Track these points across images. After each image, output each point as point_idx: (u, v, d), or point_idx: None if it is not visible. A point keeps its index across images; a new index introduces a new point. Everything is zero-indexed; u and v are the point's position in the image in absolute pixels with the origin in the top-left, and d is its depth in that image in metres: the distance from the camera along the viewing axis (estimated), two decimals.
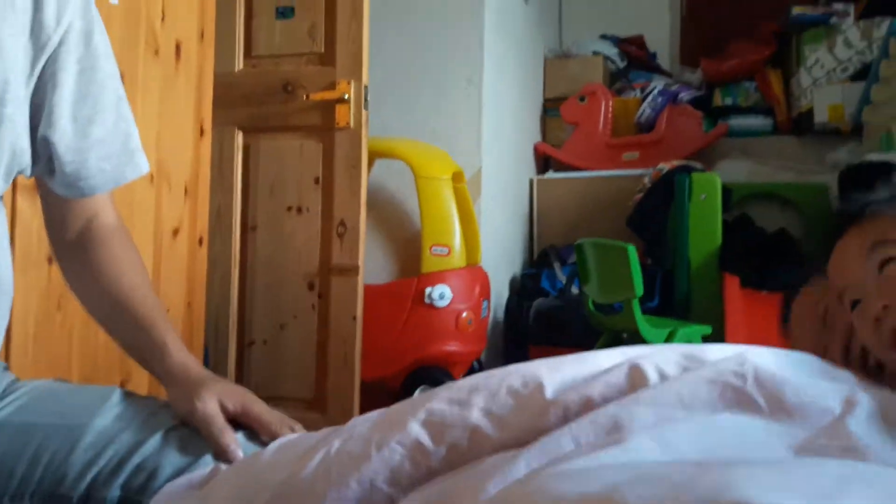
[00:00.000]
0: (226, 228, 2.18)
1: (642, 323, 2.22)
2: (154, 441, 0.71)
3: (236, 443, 0.71)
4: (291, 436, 0.68)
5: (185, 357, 0.79)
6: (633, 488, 0.34)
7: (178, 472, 0.69)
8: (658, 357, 0.54)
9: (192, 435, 0.73)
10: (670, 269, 2.74)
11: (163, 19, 1.55)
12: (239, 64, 2.20)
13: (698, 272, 2.63)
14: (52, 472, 0.70)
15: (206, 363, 1.93)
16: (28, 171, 0.78)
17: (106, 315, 0.84)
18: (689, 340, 2.28)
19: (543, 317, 2.74)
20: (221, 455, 0.70)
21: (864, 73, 3.03)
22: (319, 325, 2.10)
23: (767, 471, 0.35)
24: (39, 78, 0.75)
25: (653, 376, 0.52)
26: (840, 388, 0.51)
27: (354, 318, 2.06)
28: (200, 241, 1.74)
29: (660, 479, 0.35)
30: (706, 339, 2.32)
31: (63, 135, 0.77)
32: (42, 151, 0.77)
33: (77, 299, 0.86)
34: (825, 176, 2.95)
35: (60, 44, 0.75)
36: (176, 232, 1.60)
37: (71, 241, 0.85)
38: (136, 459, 0.70)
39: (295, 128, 2.14)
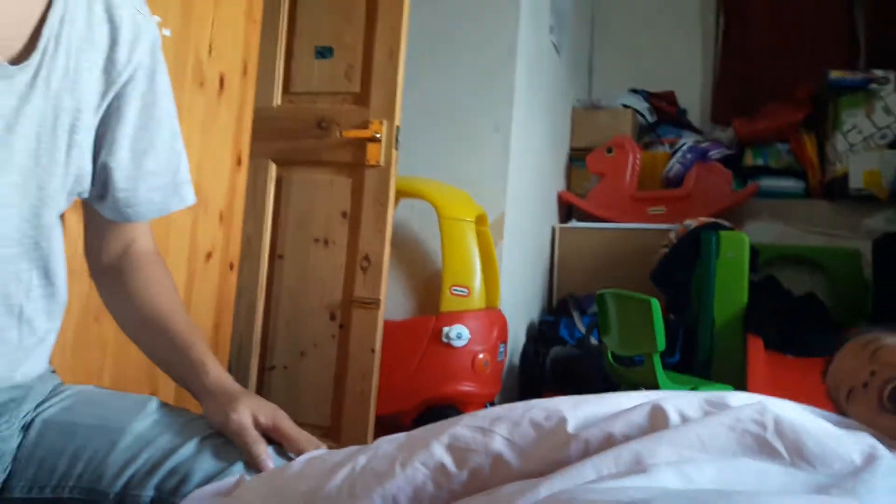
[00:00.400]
0: (255, 256, 2.22)
1: (662, 378, 2.19)
2: (189, 447, 0.75)
3: (267, 453, 0.74)
4: (319, 451, 0.70)
5: (221, 374, 0.83)
6: (664, 500, 0.34)
7: (209, 478, 0.72)
8: (680, 400, 0.55)
9: (225, 444, 0.76)
10: (693, 326, 2.72)
11: (210, 53, 1.61)
12: (277, 99, 2.27)
13: (722, 331, 2.60)
14: (91, 470, 0.74)
15: None
16: (86, 194, 0.83)
17: (143, 335, 0.88)
18: None
19: (560, 365, 2.73)
20: (253, 463, 0.73)
21: None
22: (339, 355, 2.12)
23: (790, 499, 0.36)
24: (106, 109, 0.80)
25: (674, 417, 0.53)
26: (861, 443, 0.51)
27: (373, 350, 2.07)
28: (231, 267, 1.78)
29: (688, 497, 0.36)
30: None
31: (120, 163, 0.82)
32: (99, 177, 0.82)
33: (114, 318, 0.90)
34: (856, 242, 2.92)
35: (129, 80, 0.81)
36: (209, 256, 1.64)
37: (109, 263, 0.90)
38: (170, 463, 0.73)
39: (326, 163, 2.18)
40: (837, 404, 0.71)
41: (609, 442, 0.51)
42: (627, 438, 0.50)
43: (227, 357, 1.78)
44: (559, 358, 2.75)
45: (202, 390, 0.82)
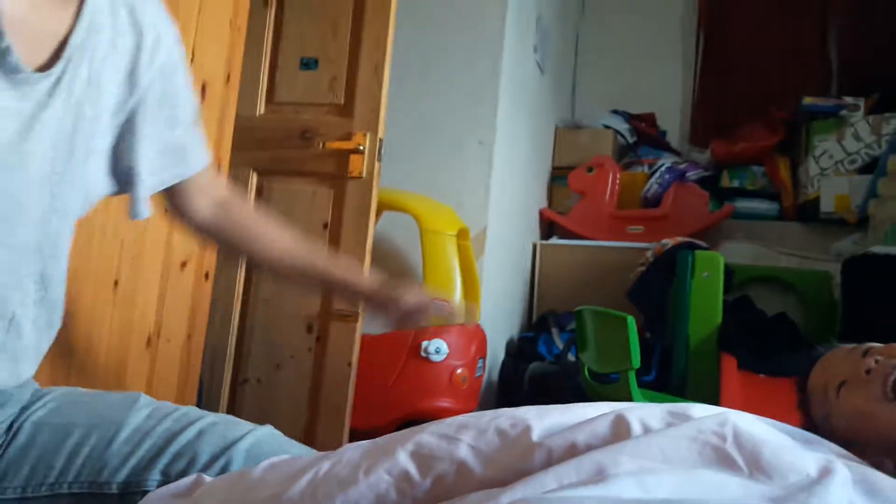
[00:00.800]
0: (231, 265, 2.21)
1: (637, 395, 2.20)
2: (190, 432, 0.78)
3: (441, 299, 0.92)
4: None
5: (364, 279, 1.00)
6: None
7: (216, 458, 0.75)
8: (643, 411, 0.56)
9: (224, 425, 0.80)
10: (669, 344, 2.74)
11: (192, 60, 1.61)
12: (260, 109, 2.27)
13: (696, 350, 2.62)
14: (91, 464, 0.76)
15: (199, 397, 1.92)
16: (104, 195, 0.85)
17: (276, 270, 1.04)
18: None
19: (538, 381, 2.73)
20: (433, 302, 0.95)
21: (872, 167, 3.09)
22: (315, 368, 2.11)
23: None
24: (129, 114, 0.83)
25: (637, 428, 0.53)
26: (818, 456, 0.52)
27: (350, 364, 2.06)
28: (207, 276, 1.76)
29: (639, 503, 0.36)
30: None
31: (146, 164, 0.85)
32: (124, 177, 0.85)
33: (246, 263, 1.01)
34: (828, 264, 2.97)
35: (150, 84, 0.83)
36: (184, 264, 1.63)
37: (203, 223, 0.97)
38: (174, 447, 0.76)
39: (309, 174, 2.19)
40: (820, 405, 0.71)
41: (572, 451, 0.51)
42: (590, 448, 0.51)
43: (199, 368, 1.76)
44: (537, 374, 2.76)
45: (360, 295, 0.99)
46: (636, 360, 2.17)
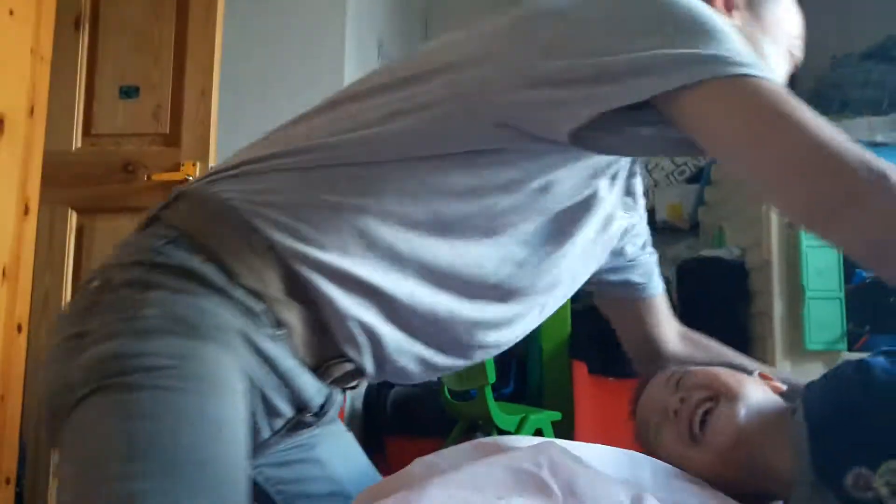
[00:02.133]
0: (53, 315, 2.01)
1: (495, 410, 2.23)
2: None
3: None
4: None
5: None
6: None
7: None
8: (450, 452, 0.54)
9: None
10: (523, 356, 2.80)
11: None
12: (77, 142, 2.09)
13: (549, 359, 2.69)
14: None
15: (21, 460, 1.71)
16: None
17: None
18: (540, 426, 2.31)
19: (401, 406, 2.70)
20: None
21: (699, 176, 3.34)
22: None
23: None
24: None
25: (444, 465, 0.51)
26: (632, 485, 0.52)
27: None
28: (19, 328, 1.59)
29: None
30: (556, 425, 2.36)
31: None
32: None
33: None
34: (665, 269, 3.16)
35: None
36: None
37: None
38: None
39: (135, 209, 2.03)
40: (647, 445, 0.73)
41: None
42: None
43: (17, 431, 1.58)
44: (399, 399, 2.72)
45: None
46: (491, 376, 2.20)
